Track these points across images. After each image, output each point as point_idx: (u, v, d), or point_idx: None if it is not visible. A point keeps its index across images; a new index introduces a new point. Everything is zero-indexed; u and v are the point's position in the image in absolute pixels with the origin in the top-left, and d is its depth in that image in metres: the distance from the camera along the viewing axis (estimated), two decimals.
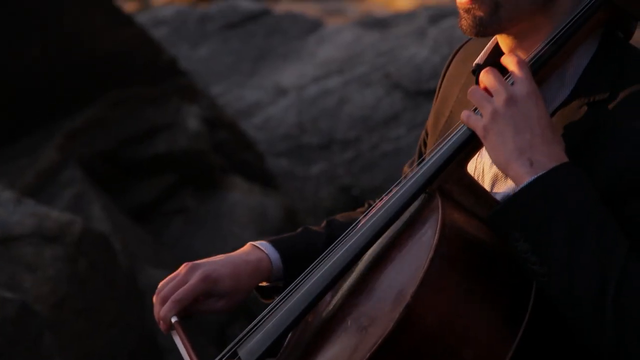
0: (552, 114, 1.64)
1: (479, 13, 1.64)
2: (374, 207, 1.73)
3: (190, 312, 1.80)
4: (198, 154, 4.95)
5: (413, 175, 1.63)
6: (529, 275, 1.54)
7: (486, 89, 1.60)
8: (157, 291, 1.81)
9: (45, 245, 3.75)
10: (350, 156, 5.53)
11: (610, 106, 1.60)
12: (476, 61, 1.73)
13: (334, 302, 1.64)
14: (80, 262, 3.82)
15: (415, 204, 1.62)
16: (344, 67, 6.01)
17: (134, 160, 4.83)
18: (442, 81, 1.91)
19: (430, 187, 1.61)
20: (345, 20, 7.57)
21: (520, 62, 1.59)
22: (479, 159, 1.72)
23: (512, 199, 1.54)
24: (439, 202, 1.57)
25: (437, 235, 1.52)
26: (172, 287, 1.79)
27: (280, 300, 1.70)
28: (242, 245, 1.89)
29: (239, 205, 4.90)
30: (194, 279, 1.78)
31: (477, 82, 1.68)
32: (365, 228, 1.61)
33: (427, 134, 1.93)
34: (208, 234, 4.76)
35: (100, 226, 4.27)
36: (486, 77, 1.60)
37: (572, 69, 1.65)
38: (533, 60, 1.62)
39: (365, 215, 1.72)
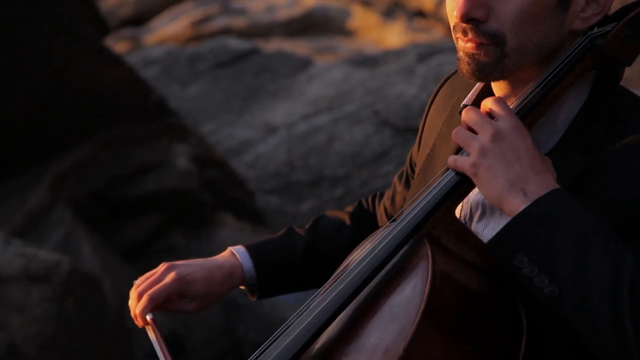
0: None
1: (484, 59, 1.62)
2: (359, 247, 1.73)
3: (163, 310, 1.87)
4: (188, 193, 4.94)
5: (401, 221, 1.62)
6: (540, 300, 1.52)
7: (470, 128, 1.59)
8: (134, 286, 1.89)
9: (33, 285, 3.74)
10: (340, 193, 5.52)
11: (603, 153, 1.60)
12: (464, 102, 1.73)
13: (321, 347, 1.62)
14: (68, 302, 3.80)
15: (404, 249, 1.61)
16: (333, 104, 6.03)
17: (124, 200, 4.82)
18: (428, 109, 1.92)
19: (418, 233, 1.60)
20: (336, 58, 7.60)
21: (497, 99, 1.59)
22: (465, 201, 1.72)
23: (512, 222, 1.53)
24: (428, 249, 1.56)
25: (427, 286, 1.50)
26: (148, 284, 1.87)
27: (268, 346, 1.69)
28: None
29: (229, 243, 4.85)
30: (168, 279, 1.86)
31: None
32: (352, 275, 1.60)
33: (414, 163, 1.94)
34: None
35: (90, 266, 4.26)
36: (468, 116, 1.59)
37: (564, 114, 1.66)
38: (522, 105, 1.62)
39: (349, 260, 1.71)
